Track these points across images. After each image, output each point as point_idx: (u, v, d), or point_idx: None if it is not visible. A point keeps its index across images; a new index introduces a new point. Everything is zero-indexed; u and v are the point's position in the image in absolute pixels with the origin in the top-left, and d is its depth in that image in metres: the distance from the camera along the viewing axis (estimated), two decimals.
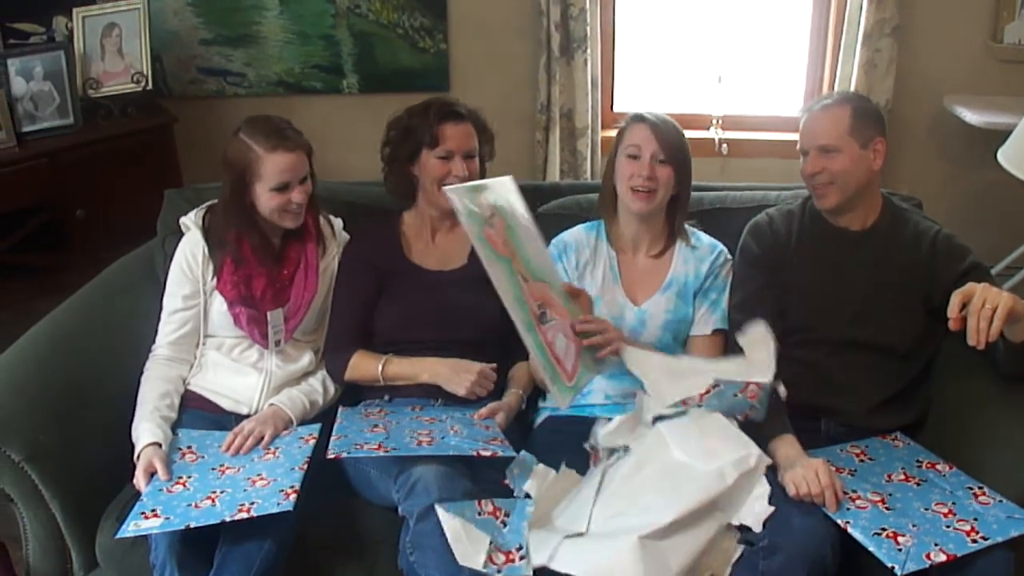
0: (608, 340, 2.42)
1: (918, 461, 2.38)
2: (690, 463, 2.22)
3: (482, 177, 2.73)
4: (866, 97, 2.66)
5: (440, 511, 2.10)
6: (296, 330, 2.64)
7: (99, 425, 2.47)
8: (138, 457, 2.37)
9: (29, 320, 2.65)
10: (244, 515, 2.13)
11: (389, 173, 2.80)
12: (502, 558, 2.08)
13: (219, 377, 2.62)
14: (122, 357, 2.60)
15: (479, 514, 2.14)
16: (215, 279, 2.60)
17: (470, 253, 2.71)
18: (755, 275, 2.61)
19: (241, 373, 2.62)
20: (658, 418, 2.36)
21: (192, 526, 2.12)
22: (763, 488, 2.19)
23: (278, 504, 2.14)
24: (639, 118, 2.62)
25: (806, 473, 2.18)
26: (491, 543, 2.09)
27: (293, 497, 2.17)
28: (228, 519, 2.12)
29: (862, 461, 2.38)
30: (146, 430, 2.41)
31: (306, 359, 2.68)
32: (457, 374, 2.54)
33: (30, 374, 2.46)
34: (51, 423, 2.38)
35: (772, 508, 2.15)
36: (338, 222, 2.82)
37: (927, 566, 2.00)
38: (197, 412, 2.57)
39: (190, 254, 2.63)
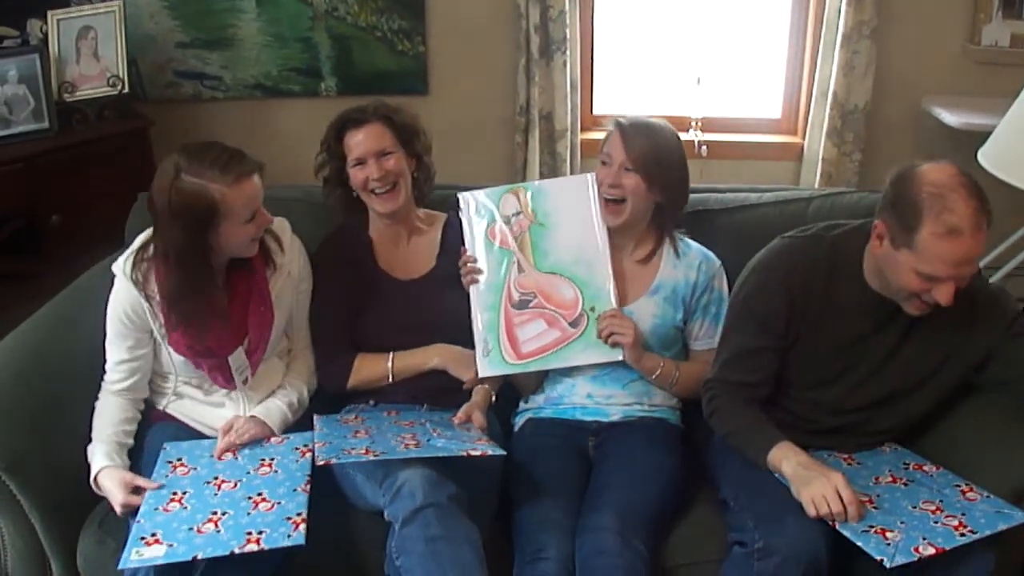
0: (618, 332, 2.53)
1: (905, 463, 2.38)
2: None
3: (423, 171, 2.78)
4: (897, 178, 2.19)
5: None
6: (261, 361, 2.55)
7: (78, 434, 2.43)
8: (94, 481, 2.32)
9: (5, 328, 2.62)
10: (254, 547, 2.07)
11: (329, 193, 2.80)
12: None
13: (196, 408, 2.56)
14: (99, 365, 2.54)
15: None
16: (164, 330, 2.43)
17: (438, 254, 2.75)
18: (755, 334, 2.37)
19: (217, 405, 2.55)
20: None
21: (200, 557, 2.06)
22: None
23: (288, 536, 2.10)
24: (616, 123, 2.61)
25: (826, 491, 2.10)
26: None
27: (303, 528, 2.12)
28: (237, 551, 2.06)
29: (850, 465, 2.39)
30: (101, 452, 2.35)
31: (279, 374, 2.63)
32: (466, 357, 2.60)
33: (7, 383, 2.42)
34: (29, 432, 2.36)
35: None
36: (285, 228, 2.64)
37: (916, 559, 2.00)
38: (176, 424, 2.54)
39: (129, 309, 2.42)
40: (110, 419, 2.43)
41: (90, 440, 2.41)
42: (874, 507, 2.18)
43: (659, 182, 2.58)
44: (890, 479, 2.31)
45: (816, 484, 2.12)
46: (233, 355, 2.45)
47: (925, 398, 2.38)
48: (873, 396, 2.37)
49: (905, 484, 2.29)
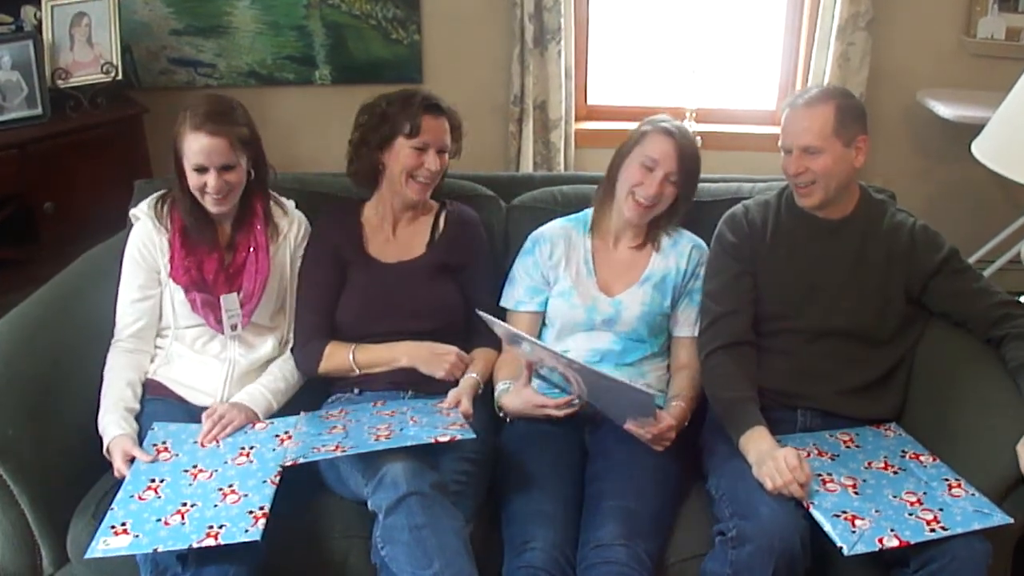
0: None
1: (903, 451, 2.40)
2: None
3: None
4: (849, 92, 2.61)
5: None
6: (253, 314, 2.62)
7: (69, 419, 2.45)
8: (107, 450, 2.36)
9: None
10: (211, 541, 2.07)
11: (355, 158, 2.74)
12: None
13: (185, 368, 2.60)
14: (92, 349, 2.57)
15: None
16: (169, 266, 2.58)
17: (428, 242, 2.74)
18: (730, 264, 2.60)
19: (204, 364, 2.61)
20: None
21: (160, 550, 2.07)
22: None
23: (246, 531, 2.09)
24: (667, 131, 2.59)
25: (776, 465, 2.21)
26: None
27: (261, 523, 2.12)
28: (195, 545, 2.07)
29: (848, 447, 2.42)
30: (112, 422, 2.40)
31: (268, 346, 2.67)
32: (436, 357, 2.57)
33: None
34: (20, 417, 2.34)
35: None
36: (290, 204, 2.78)
37: (877, 549, 2.05)
38: (165, 400, 2.56)
39: (141, 244, 2.61)
40: (118, 385, 2.50)
41: (83, 427, 2.43)
42: (855, 492, 2.21)
43: (688, 189, 2.64)
44: (882, 465, 2.33)
45: (768, 461, 2.23)
46: (226, 297, 2.58)
47: (886, 325, 2.55)
48: (842, 319, 2.53)
49: (895, 472, 2.30)
